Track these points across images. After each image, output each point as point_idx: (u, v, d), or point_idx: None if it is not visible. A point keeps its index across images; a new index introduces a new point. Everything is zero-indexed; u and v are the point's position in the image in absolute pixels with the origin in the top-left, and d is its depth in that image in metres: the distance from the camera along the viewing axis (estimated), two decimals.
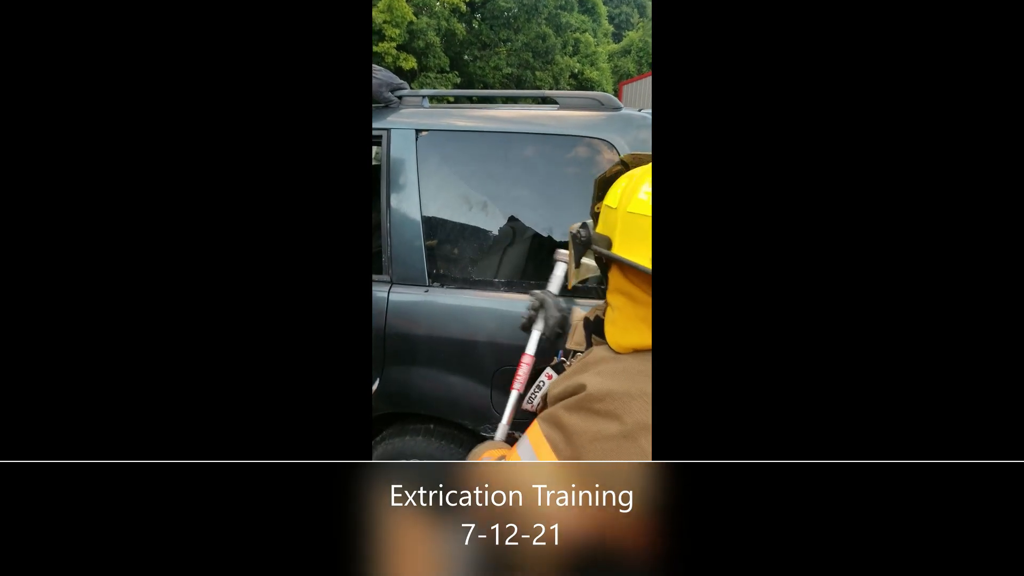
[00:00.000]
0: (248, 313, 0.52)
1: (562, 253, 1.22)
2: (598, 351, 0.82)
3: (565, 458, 0.71)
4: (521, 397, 1.13)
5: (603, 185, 0.88)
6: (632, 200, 0.76)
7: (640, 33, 24.25)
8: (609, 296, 0.82)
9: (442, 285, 1.48)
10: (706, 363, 0.54)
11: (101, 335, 0.49)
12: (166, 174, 0.50)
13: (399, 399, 1.55)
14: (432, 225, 1.52)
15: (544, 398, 0.87)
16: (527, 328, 1.18)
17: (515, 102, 4.55)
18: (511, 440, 1.05)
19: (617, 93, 20.34)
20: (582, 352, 0.95)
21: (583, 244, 0.84)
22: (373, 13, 13.19)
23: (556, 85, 18.19)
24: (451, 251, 1.53)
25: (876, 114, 0.51)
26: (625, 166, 0.87)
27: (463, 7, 15.55)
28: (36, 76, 0.46)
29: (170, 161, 0.50)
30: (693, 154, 0.54)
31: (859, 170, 0.51)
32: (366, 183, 0.59)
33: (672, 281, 0.55)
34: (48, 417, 0.48)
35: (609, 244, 0.78)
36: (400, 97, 1.65)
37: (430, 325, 1.45)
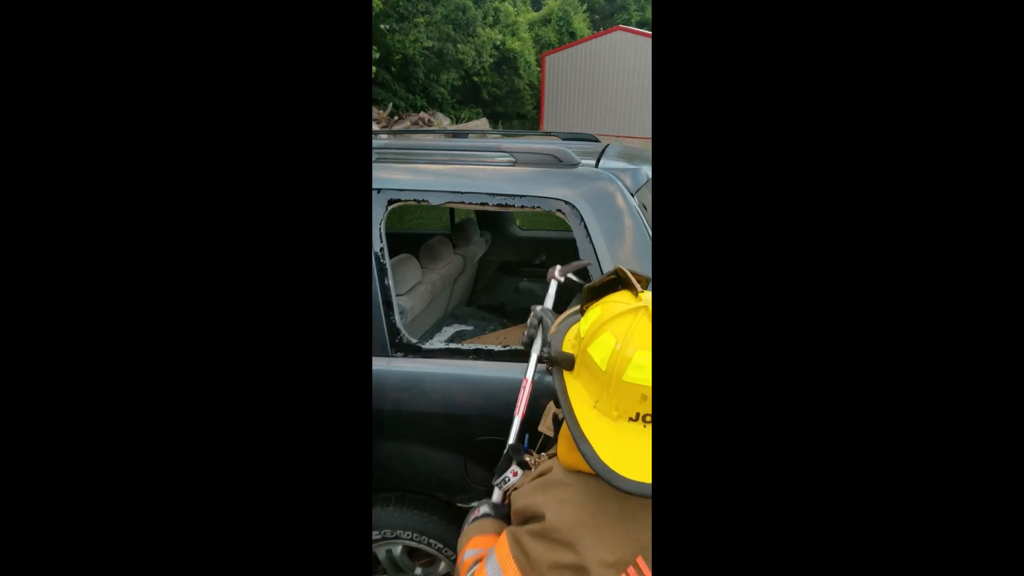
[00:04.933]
0: (245, 316, 0.51)
1: (554, 272, 1.31)
2: (556, 470, 0.89)
3: None
4: (523, 422, 1.11)
5: (592, 293, 0.89)
6: (596, 348, 0.79)
7: (559, 2, 24.00)
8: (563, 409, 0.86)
9: (405, 355, 1.42)
10: (706, 367, 0.53)
11: (95, 343, 0.48)
12: (164, 175, 0.49)
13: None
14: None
15: (509, 494, 0.96)
16: (528, 346, 1.17)
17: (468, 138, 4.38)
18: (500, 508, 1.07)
19: (540, 63, 20.12)
20: (549, 438, 1.04)
21: (546, 362, 0.88)
22: None
23: (479, 58, 17.73)
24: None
25: (876, 115, 0.50)
26: (618, 278, 0.88)
27: None
28: (31, 76, 0.46)
29: (168, 162, 0.49)
30: (693, 156, 0.54)
31: (860, 174, 0.50)
32: (366, 187, 0.60)
33: (672, 289, 0.54)
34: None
35: (571, 364, 0.84)
36: None
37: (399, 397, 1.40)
